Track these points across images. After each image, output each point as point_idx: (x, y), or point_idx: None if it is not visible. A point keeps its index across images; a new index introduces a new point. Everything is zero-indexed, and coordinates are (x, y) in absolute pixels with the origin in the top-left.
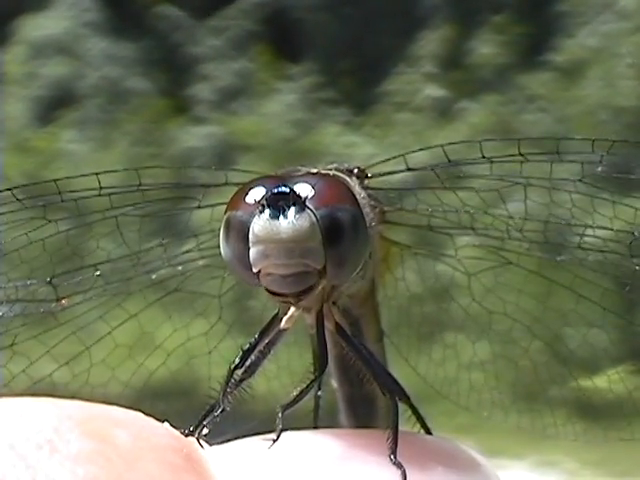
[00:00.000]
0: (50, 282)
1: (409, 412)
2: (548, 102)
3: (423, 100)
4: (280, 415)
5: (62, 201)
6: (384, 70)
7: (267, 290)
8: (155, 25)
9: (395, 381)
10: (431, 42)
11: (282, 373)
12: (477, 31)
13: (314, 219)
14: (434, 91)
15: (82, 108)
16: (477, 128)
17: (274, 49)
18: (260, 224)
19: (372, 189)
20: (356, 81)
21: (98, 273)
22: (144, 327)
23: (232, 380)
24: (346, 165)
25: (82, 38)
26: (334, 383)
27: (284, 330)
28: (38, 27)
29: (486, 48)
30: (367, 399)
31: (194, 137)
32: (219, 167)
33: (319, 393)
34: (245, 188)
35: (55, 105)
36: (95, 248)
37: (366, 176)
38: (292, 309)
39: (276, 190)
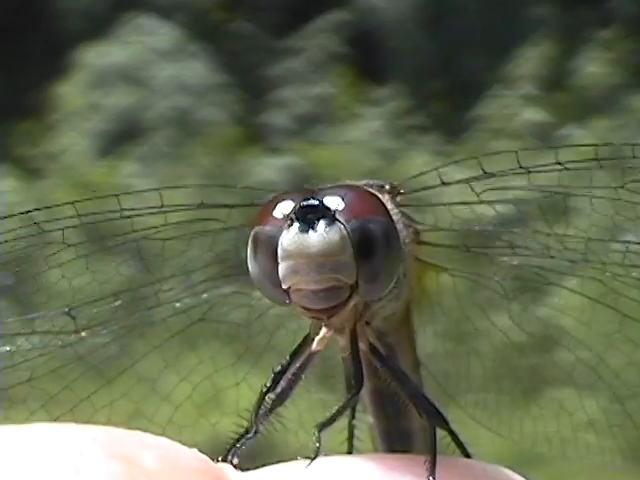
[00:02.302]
0: (68, 312)
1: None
2: None
3: (522, 125)
4: (317, 434)
5: (81, 224)
6: (478, 92)
7: (298, 307)
8: (227, 46)
9: (433, 404)
10: (531, 61)
11: (314, 406)
12: (583, 48)
13: (345, 232)
14: (534, 115)
15: (147, 141)
16: (584, 156)
17: (357, 70)
18: (289, 238)
19: (405, 206)
20: (447, 105)
21: (118, 302)
22: (167, 359)
23: (264, 404)
24: (377, 181)
25: (148, 65)
26: (370, 418)
27: (316, 353)
28: (100, 55)
29: (593, 67)
30: (404, 434)
31: (269, 169)
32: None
33: (353, 422)
34: (272, 202)
35: (118, 138)
36: (115, 274)
37: (398, 192)
38: (324, 330)
39: (305, 203)
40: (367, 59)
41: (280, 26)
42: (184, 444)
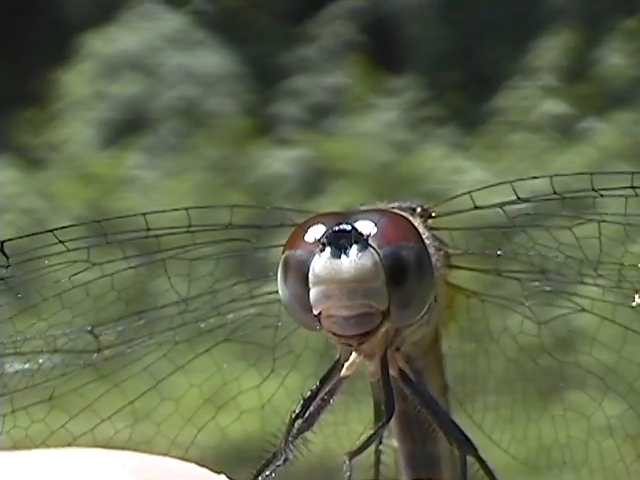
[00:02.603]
0: (91, 331)
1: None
2: None
3: (542, 118)
4: (348, 462)
5: (107, 243)
6: (497, 83)
7: (329, 333)
8: (237, 34)
9: (462, 431)
10: (551, 51)
11: (339, 430)
12: (605, 37)
13: (377, 258)
14: (555, 107)
15: (153, 131)
16: (607, 151)
17: (372, 59)
18: (321, 263)
19: (436, 229)
20: (465, 96)
21: (143, 322)
22: (191, 380)
23: (294, 430)
24: (408, 203)
25: (156, 52)
26: (395, 442)
27: (345, 378)
28: (107, 41)
29: (616, 57)
30: (431, 459)
31: (278, 161)
32: (277, 206)
33: (380, 447)
34: (304, 226)
35: (123, 128)
36: (141, 294)
37: (430, 215)
38: (354, 355)
39: (337, 228)
40: (383, 48)
41: (293, 13)
42: (210, 469)
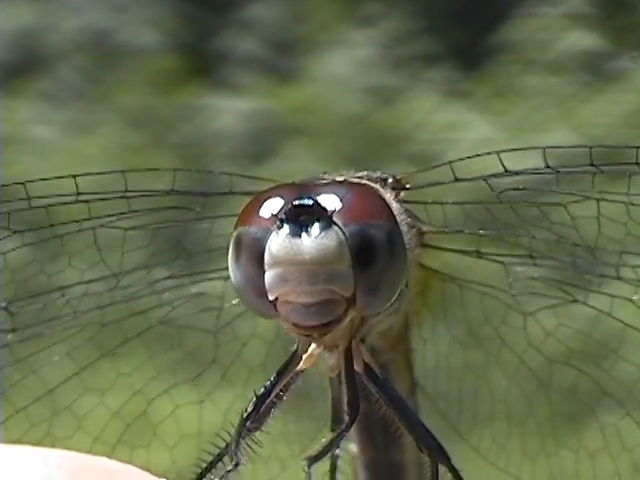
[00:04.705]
0: (6, 308)
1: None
2: None
3: (566, 55)
4: (307, 468)
5: (30, 208)
6: (507, 10)
7: (286, 322)
8: None
9: (434, 436)
10: None
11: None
12: None
13: (342, 237)
14: (584, 41)
15: (52, 74)
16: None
17: None
18: (278, 243)
19: (409, 203)
20: (465, 27)
21: (66, 299)
22: (120, 368)
23: (245, 430)
24: (379, 173)
25: None
26: (354, 448)
27: (301, 372)
28: None
29: None
30: (394, 467)
31: (221, 114)
32: (224, 171)
33: (337, 452)
34: (259, 199)
35: (13, 71)
36: (66, 266)
37: (403, 187)
38: (313, 346)
39: (297, 202)
40: None
41: None
42: (151, 471)
